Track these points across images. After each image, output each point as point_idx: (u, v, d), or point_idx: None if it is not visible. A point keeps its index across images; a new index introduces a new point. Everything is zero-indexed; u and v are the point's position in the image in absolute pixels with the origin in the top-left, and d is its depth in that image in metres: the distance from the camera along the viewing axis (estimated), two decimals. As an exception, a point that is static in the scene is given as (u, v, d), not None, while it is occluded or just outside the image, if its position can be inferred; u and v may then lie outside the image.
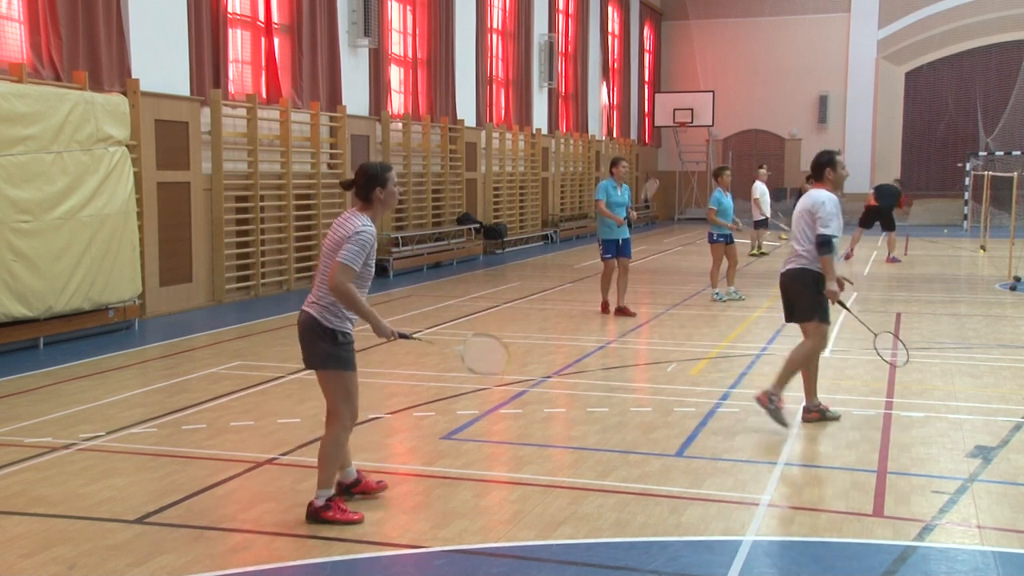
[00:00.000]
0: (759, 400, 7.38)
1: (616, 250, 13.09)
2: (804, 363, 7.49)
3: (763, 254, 21.33)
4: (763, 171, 21.80)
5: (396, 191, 5.66)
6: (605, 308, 13.33)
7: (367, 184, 5.51)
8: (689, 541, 5.16)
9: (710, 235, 14.61)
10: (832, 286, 7.33)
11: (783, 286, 7.70)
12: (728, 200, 14.48)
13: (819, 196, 7.40)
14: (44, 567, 4.79)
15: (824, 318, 7.45)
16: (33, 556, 4.92)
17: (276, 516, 5.51)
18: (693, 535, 5.23)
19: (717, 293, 14.44)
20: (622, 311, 13.11)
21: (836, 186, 7.57)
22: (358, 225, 5.41)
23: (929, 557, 4.98)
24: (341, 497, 5.60)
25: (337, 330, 5.46)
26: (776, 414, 7.31)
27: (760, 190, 21.02)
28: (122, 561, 4.85)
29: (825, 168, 7.54)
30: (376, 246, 5.52)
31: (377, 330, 5.50)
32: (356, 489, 5.80)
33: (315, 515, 5.39)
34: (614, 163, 13.22)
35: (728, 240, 14.50)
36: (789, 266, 7.59)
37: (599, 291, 13.55)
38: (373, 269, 5.58)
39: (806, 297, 7.47)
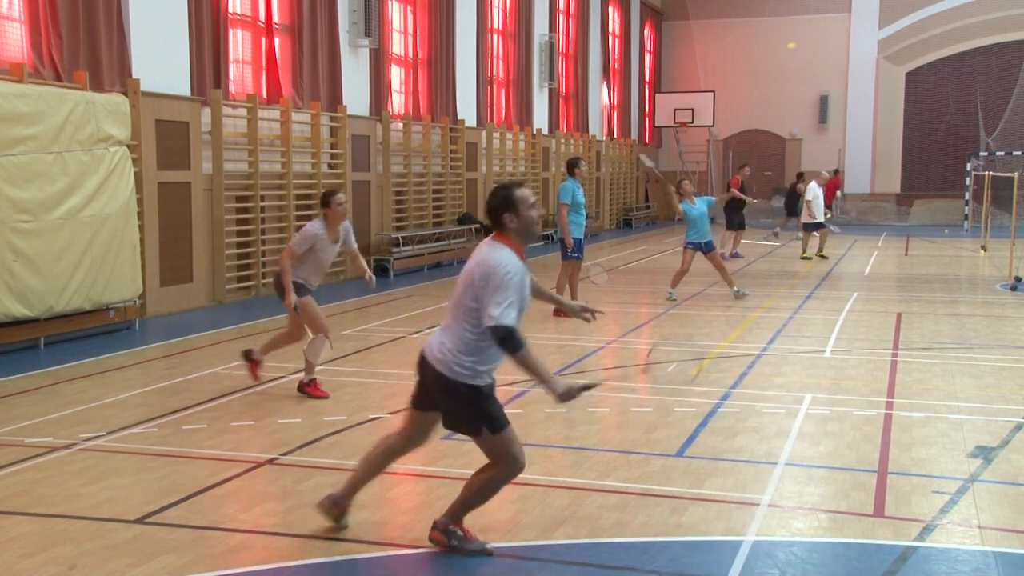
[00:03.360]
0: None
1: (580, 249, 13.10)
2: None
3: (824, 257, 20.95)
4: (825, 173, 22.04)
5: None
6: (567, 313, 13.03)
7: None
8: (689, 541, 5.15)
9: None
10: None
11: None
12: (696, 208, 14.62)
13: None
14: (44, 567, 4.79)
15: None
16: (33, 556, 4.92)
17: (276, 516, 5.51)
18: (693, 535, 5.23)
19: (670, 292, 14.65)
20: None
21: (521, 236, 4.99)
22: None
23: (930, 557, 4.98)
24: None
25: (297, 281, 8.44)
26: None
27: (813, 192, 20.93)
28: (122, 561, 4.85)
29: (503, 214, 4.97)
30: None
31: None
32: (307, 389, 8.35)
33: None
34: (575, 164, 13.15)
35: (696, 247, 14.69)
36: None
37: (575, 292, 13.33)
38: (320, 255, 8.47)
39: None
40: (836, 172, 30.09)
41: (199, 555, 4.94)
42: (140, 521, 5.42)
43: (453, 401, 4.91)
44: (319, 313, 8.60)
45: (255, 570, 4.81)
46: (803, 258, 21.10)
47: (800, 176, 23.93)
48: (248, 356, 8.76)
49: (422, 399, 5.06)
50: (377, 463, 5.27)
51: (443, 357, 4.86)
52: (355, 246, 8.91)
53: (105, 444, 6.99)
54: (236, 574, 4.75)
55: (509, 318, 4.68)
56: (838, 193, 28.83)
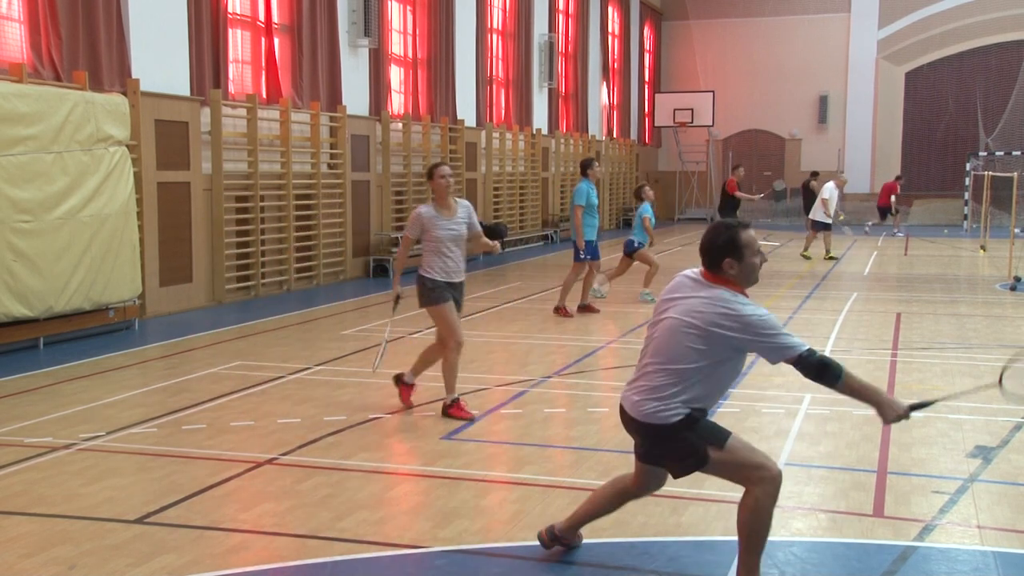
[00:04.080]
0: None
1: (593, 252, 13.13)
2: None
3: (832, 258, 20.91)
4: (843, 175, 22.11)
5: None
6: (567, 312, 13.07)
7: None
8: (689, 541, 5.16)
9: (632, 243, 14.55)
10: None
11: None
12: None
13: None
14: (44, 567, 4.79)
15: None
16: (33, 556, 4.92)
17: (276, 516, 5.51)
18: (693, 535, 5.23)
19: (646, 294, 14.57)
20: (588, 308, 13.22)
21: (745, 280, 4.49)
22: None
23: (929, 557, 4.98)
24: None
25: (425, 276, 7.67)
26: None
27: (830, 191, 20.89)
28: (122, 561, 4.85)
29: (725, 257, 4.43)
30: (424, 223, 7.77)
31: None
32: (451, 411, 7.69)
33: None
34: (589, 164, 13.13)
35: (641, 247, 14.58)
36: None
37: (587, 293, 13.42)
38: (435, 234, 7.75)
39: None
40: (899, 178, 30.26)
41: (199, 555, 4.94)
42: (140, 521, 5.42)
43: (671, 447, 4.44)
44: (452, 321, 7.72)
45: (255, 570, 4.81)
46: (803, 256, 21.11)
47: (814, 175, 23.99)
48: (399, 380, 8.06)
49: (645, 454, 4.63)
50: (609, 503, 4.93)
51: (653, 409, 4.39)
52: (479, 227, 8.26)
53: (105, 444, 6.99)
54: (236, 574, 4.75)
55: (802, 344, 4.22)
56: (892, 197, 28.95)
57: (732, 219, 4.61)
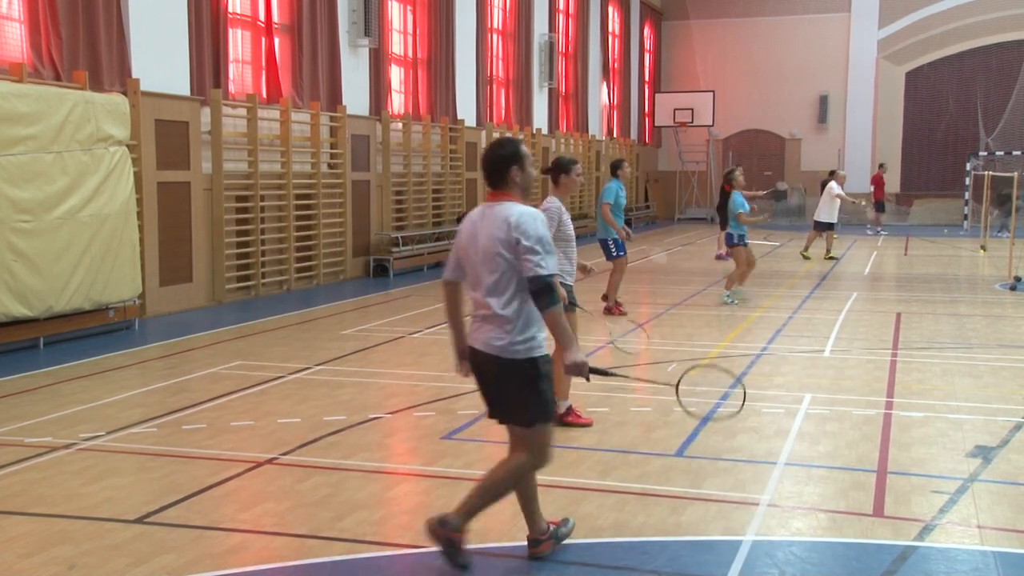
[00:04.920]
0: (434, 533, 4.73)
1: (621, 248, 13.14)
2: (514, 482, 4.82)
3: (832, 258, 20.84)
4: (842, 173, 22.25)
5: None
6: (621, 310, 13.09)
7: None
8: (689, 541, 5.16)
9: (732, 237, 14.33)
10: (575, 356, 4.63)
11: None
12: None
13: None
14: (44, 567, 4.79)
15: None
16: (33, 556, 4.92)
17: (276, 516, 5.52)
18: (693, 535, 5.23)
19: (729, 296, 14.20)
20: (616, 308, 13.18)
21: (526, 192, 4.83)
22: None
23: (929, 557, 4.98)
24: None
25: None
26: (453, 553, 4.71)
27: (838, 188, 20.95)
28: (122, 561, 4.85)
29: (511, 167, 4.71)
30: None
31: None
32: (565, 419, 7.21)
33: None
34: (619, 165, 13.21)
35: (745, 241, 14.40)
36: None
37: (605, 292, 13.41)
38: (567, 231, 7.44)
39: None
40: (882, 166, 30.78)
41: (199, 555, 4.94)
42: (140, 521, 5.42)
43: (530, 387, 4.57)
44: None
45: (255, 570, 4.81)
46: (803, 256, 21.10)
47: (832, 174, 24.13)
48: (562, 419, 7.23)
49: (496, 400, 4.77)
50: (526, 483, 4.87)
51: (500, 342, 4.52)
52: None
53: (105, 444, 6.99)
54: (236, 574, 4.75)
55: (552, 267, 4.41)
56: (871, 187, 29.62)
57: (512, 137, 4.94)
